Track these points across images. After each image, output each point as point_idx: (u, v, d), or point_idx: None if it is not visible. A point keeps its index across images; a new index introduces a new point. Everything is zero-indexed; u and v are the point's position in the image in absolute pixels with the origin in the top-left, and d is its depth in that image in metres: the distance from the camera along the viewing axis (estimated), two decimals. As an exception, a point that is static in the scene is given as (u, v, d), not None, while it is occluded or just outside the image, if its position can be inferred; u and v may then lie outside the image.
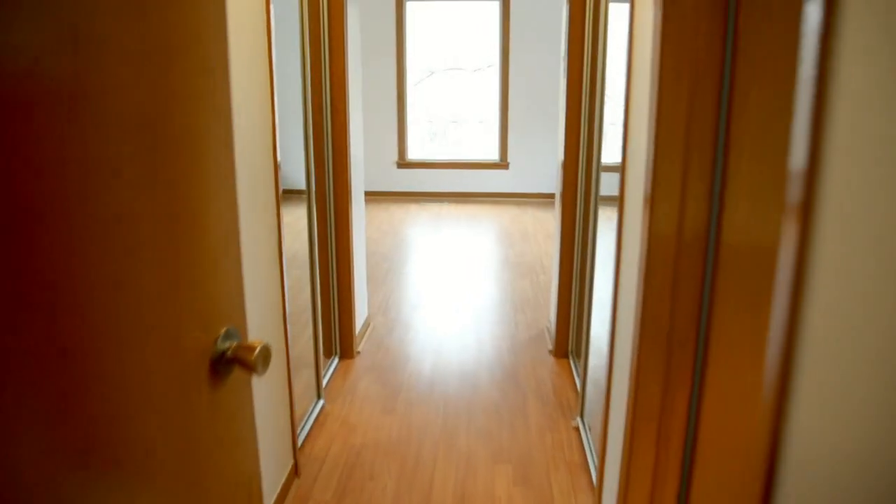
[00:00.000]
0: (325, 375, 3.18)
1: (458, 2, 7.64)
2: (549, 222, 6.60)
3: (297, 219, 2.92)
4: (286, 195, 2.61)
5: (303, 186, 2.92)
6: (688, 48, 1.41)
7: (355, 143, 3.59)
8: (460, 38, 8.48)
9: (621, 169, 1.92)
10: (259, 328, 2.05)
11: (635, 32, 1.81)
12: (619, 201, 1.93)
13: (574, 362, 3.33)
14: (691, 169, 1.47)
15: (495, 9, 7.41)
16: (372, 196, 7.65)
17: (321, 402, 2.98)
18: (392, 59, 7.43)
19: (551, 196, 7.69)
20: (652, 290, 1.56)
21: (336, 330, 3.41)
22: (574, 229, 3.32)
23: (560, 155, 3.47)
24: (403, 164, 7.70)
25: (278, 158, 2.26)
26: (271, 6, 2.06)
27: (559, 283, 3.38)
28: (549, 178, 7.65)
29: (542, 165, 7.60)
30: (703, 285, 1.53)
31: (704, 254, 1.51)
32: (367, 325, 3.87)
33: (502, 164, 7.61)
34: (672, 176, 1.48)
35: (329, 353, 3.38)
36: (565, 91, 3.34)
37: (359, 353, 3.55)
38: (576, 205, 3.29)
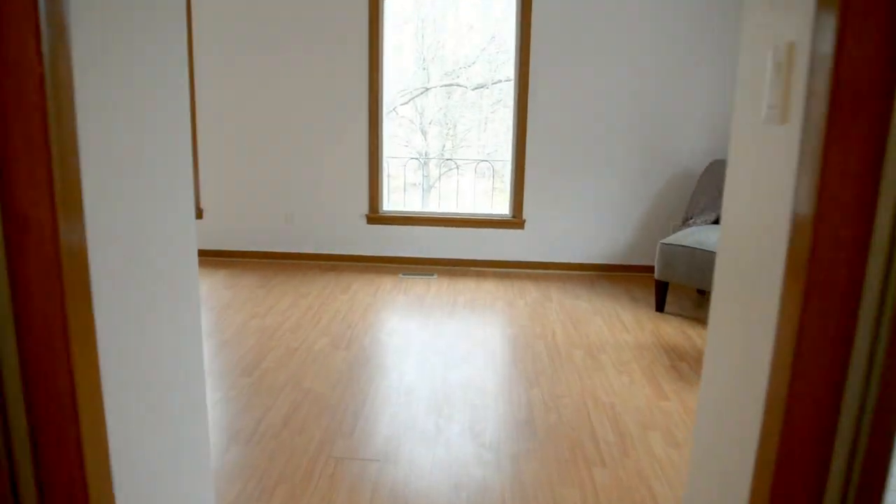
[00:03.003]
0: None
1: (457, -7, 5.48)
2: (593, 312, 4.35)
3: None
4: None
5: None
6: None
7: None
8: (455, 41, 6.33)
9: None
10: None
11: None
12: None
13: None
14: None
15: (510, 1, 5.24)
16: (329, 261, 5.35)
17: None
18: (362, 69, 5.22)
19: (589, 268, 5.43)
20: None
21: None
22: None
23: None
24: (375, 217, 5.45)
25: None
26: None
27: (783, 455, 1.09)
28: (583, 241, 5.40)
29: (572, 223, 5.36)
30: None
31: None
32: None
33: (515, 221, 5.37)
34: None
35: None
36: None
37: None
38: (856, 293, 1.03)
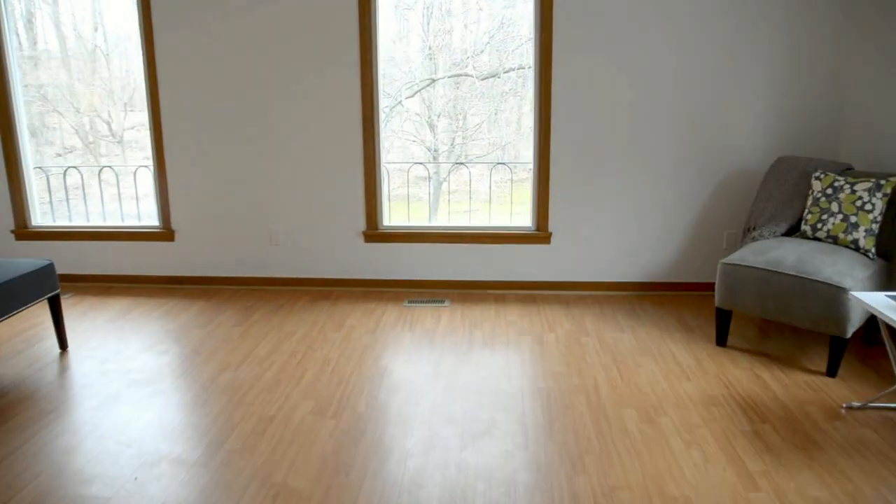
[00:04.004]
0: None
1: (463, -33, 4.66)
2: (641, 350, 3.52)
3: None
4: None
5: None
6: None
7: None
8: (463, 27, 5.52)
9: None
10: None
11: None
12: None
13: None
14: None
15: (527, -24, 4.40)
16: (322, 287, 4.55)
17: None
18: (352, 66, 4.40)
19: (629, 287, 4.60)
20: None
21: None
22: None
23: None
24: (374, 234, 4.65)
25: None
26: None
27: None
28: (620, 256, 4.56)
29: (607, 235, 4.53)
30: None
31: None
32: None
33: (540, 234, 4.54)
34: None
35: None
36: None
37: None
38: None
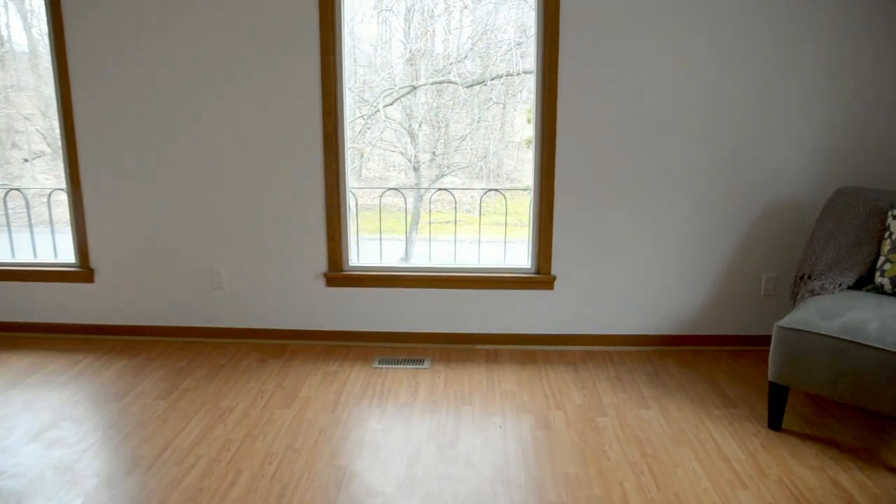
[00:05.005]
0: None
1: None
2: (673, 435, 2.72)
3: None
4: None
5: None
6: None
7: None
8: (446, 31, 4.90)
9: None
10: None
11: None
12: None
13: None
14: None
15: (526, -38, 3.62)
16: (274, 340, 3.65)
17: None
18: (311, 73, 3.57)
19: (647, 341, 3.80)
20: None
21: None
22: None
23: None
24: (338, 277, 3.80)
25: None
26: None
27: None
28: (637, 304, 3.76)
29: (621, 279, 3.73)
30: None
31: None
32: None
33: (542, 278, 3.73)
34: None
35: None
36: None
37: None
38: None
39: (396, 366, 3.56)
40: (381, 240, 4.12)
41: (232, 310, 3.89)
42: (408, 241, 4.86)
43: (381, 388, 3.32)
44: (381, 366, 3.56)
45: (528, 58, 4.73)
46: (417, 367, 3.55)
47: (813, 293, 3.03)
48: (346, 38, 3.60)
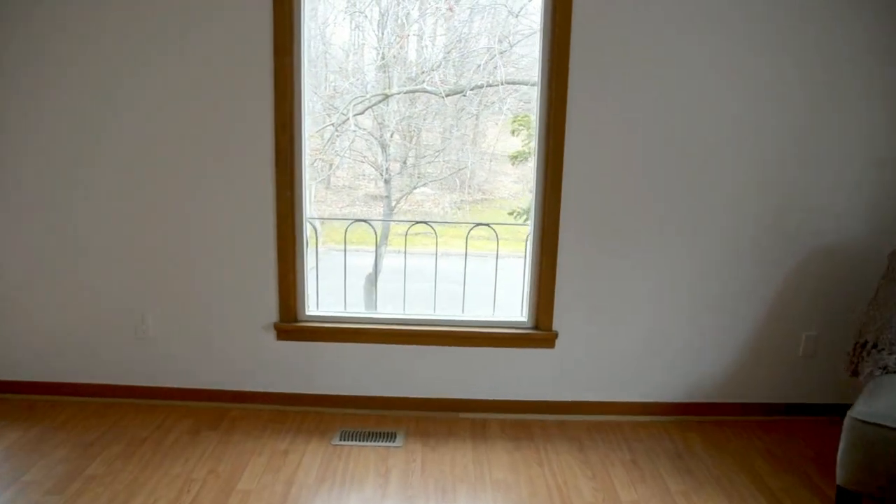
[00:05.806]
0: None
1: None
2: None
3: None
4: None
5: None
6: None
7: None
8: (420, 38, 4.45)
9: None
10: None
11: None
12: None
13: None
14: None
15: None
16: (211, 403, 2.89)
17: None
18: (262, 79, 2.87)
19: (664, 410, 3.18)
20: None
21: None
22: None
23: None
24: (290, 329, 3.10)
25: None
26: None
27: None
28: (654, 366, 3.15)
29: (635, 336, 3.11)
30: None
31: None
32: None
33: (541, 334, 3.08)
34: None
35: None
36: None
37: None
38: None
39: (362, 442, 2.88)
40: (345, 286, 3.43)
41: (160, 365, 3.16)
42: (374, 288, 4.24)
43: (343, 475, 2.64)
44: (343, 442, 2.87)
45: (507, 68, 4.26)
46: (388, 444, 2.87)
47: (886, 370, 2.44)
48: (307, 35, 2.93)
